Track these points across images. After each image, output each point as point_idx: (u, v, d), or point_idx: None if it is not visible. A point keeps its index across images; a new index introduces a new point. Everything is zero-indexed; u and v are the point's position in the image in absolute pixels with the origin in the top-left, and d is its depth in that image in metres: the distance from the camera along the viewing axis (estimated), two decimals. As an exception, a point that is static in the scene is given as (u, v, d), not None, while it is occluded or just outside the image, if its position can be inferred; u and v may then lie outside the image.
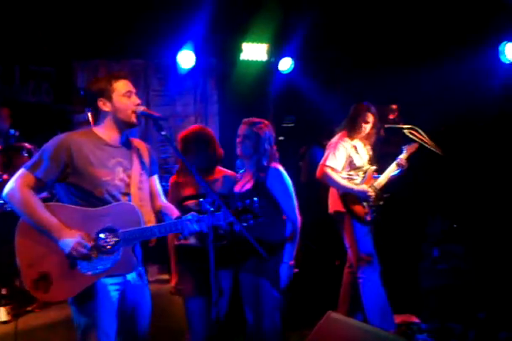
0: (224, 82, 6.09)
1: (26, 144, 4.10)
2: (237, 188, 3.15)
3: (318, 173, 3.97)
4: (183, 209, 2.77)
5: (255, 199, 2.45)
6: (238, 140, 3.13)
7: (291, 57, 5.88)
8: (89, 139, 2.41)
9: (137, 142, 2.60)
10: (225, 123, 5.92)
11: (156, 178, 2.65)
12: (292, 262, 3.02)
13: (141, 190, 2.48)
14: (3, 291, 3.31)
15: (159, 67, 5.99)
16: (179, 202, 3.08)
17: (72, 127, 5.18)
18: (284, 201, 3.05)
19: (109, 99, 2.42)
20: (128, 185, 2.43)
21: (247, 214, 2.43)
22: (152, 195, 2.60)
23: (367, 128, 4.05)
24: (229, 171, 3.33)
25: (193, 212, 2.45)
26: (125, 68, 5.65)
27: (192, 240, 3.04)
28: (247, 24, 5.63)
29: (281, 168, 3.12)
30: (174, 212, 2.58)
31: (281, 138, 5.27)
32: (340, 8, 5.33)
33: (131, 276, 2.46)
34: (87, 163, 2.34)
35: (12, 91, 5.34)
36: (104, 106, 2.43)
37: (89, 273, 2.30)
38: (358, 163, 4.02)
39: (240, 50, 5.83)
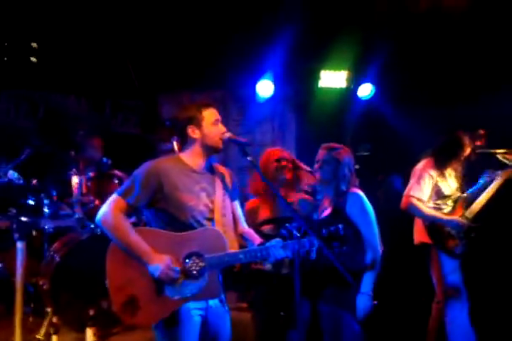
0: (302, 110, 6.15)
1: (117, 172, 4.35)
2: (315, 214, 3.13)
3: (403, 204, 3.77)
4: (260, 235, 2.78)
5: (340, 226, 2.42)
6: (317, 165, 3.11)
7: (371, 83, 5.85)
8: (176, 165, 2.50)
9: (220, 168, 2.67)
10: (303, 151, 5.94)
11: (237, 204, 2.69)
12: (371, 293, 2.92)
13: (224, 215, 2.52)
14: (91, 312, 3.43)
15: (238, 96, 6.18)
16: (255, 227, 3.10)
17: (158, 155, 5.43)
18: (364, 227, 2.97)
19: (199, 126, 2.51)
20: (212, 211, 2.48)
21: (332, 241, 2.40)
22: (234, 221, 2.64)
23: (461, 156, 3.84)
24: (304, 195, 3.30)
25: (277, 238, 2.44)
26: (207, 98, 5.89)
27: (267, 266, 3.02)
28: (325, 51, 5.70)
29: (361, 193, 3.05)
30: (256, 237, 2.60)
31: (357, 166, 5.18)
32: (420, 32, 5.27)
33: (213, 302, 2.48)
34: (174, 188, 2.41)
35: (103, 122, 5.73)
36: (193, 133, 2.51)
37: (176, 297, 2.34)
38: (446, 191, 3.80)
39: (318, 78, 5.89)
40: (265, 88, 5.82)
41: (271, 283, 2.93)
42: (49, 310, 3.49)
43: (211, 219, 2.46)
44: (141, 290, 2.34)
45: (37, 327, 3.44)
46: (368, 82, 5.85)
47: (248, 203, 3.33)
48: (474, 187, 3.84)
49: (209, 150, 2.53)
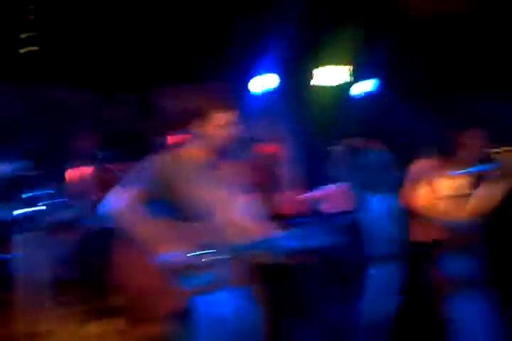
0: (300, 105, 6.15)
1: (118, 166, 4.33)
2: (326, 208, 3.15)
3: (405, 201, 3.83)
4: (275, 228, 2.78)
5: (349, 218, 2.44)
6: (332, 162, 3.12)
7: (373, 78, 5.86)
8: (184, 159, 2.47)
9: (229, 163, 2.65)
10: (299, 146, 5.95)
11: (247, 199, 2.66)
12: None
13: (232, 210, 2.50)
14: (116, 302, 3.39)
15: (235, 90, 6.14)
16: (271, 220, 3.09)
17: (156, 149, 5.40)
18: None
19: (207, 123, 2.46)
20: (219, 205, 2.46)
21: (340, 234, 2.42)
22: (244, 216, 2.64)
23: (468, 155, 3.88)
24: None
25: (289, 230, 2.45)
26: (203, 91, 5.82)
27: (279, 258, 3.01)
28: (325, 47, 5.70)
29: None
30: (267, 231, 2.59)
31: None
32: (421, 26, 5.27)
33: (237, 295, 2.44)
34: (182, 181, 2.40)
35: (103, 116, 5.68)
36: (200, 129, 2.48)
37: (188, 288, 2.33)
38: (451, 191, 3.85)
39: (316, 73, 5.89)
40: (262, 82, 5.81)
41: (283, 276, 2.94)
42: (74, 300, 3.47)
43: (219, 213, 2.43)
44: (152, 281, 2.36)
45: (63, 318, 3.40)
46: (369, 77, 5.87)
47: (257, 196, 3.31)
48: None
49: (215, 147, 2.50)
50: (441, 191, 3.77)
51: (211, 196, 2.44)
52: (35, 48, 5.11)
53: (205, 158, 2.49)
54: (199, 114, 2.48)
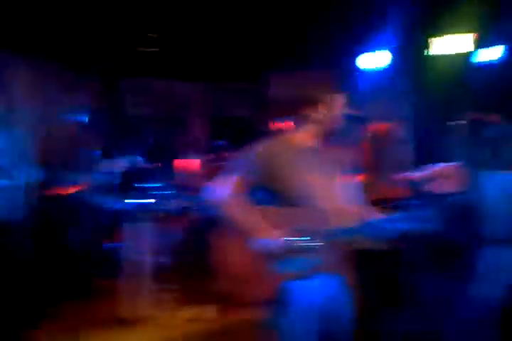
0: (419, 80, 5.77)
1: (233, 154, 4.45)
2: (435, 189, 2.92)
3: None
4: (375, 212, 2.65)
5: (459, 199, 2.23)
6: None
7: (500, 45, 5.29)
8: (289, 144, 2.46)
9: (334, 147, 2.58)
10: (420, 123, 5.59)
11: (351, 182, 2.58)
12: None
13: (335, 194, 2.45)
14: (211, 288, 3.55)
15: (346, 69, 5.96)
16: (371, 204, 2.97)
17: (266, 137, 5.46)
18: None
19: (322, 106, 2.44)
20: (323, 189, 2.41)
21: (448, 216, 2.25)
22: (347, 200, 2.53)
23: None
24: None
25: (395, 212, 2.33)
26: (313, 78, 5.73)
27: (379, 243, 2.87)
28: (445, 15, 5.27)
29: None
30: (368, 215, 2.49)
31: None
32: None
33: (329, 281, 2.40)
34: (286, 167, 2.40)
35: (214, 106, 5.88)
36: (313, 112, 2.45)
37: (287, 273, 2.31)
38: None
39: (435, 42, 5.48)
40: (378, 59, 5.57)
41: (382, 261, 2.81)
42: (172, 286, 3.69)
43: (322, 198, 2.39)
44: (251, 266, 2.35)
45: (160, 303, 3.65)
46: (495, 44, 5.30)
47: (359, 178, 3.18)
48: None
49: (326, 130, 2.46)
50: None
51: (314, 181, 2.41)
52: (156, 49, 5.42)
53: (310, 142, 2.48)
54: (311, 99, 2.47)
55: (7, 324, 2.80)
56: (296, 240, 2.31)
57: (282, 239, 2.29)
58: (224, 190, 2.40)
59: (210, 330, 3.38)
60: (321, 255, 2.30)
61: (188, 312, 3.51)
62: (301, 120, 2.48)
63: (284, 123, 4.35)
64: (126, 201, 3.86)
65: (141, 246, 3.65)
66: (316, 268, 2.31)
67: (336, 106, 2.44)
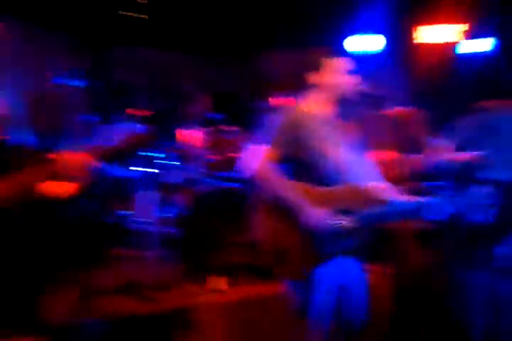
0: (408, 66, 5.88)
1: (231, 127, 4.38)
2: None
3: None
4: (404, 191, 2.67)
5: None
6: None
7: (490, 37, 5.47)
8: (314, 115, 2.39)
9: (351, 122, 2.54)
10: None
11: (369, 157, 2.54)
12: None
13: (359, 169, 2.42)
14: (219, 261, 3.52)
15: (341, 52, 5.96)
16: (399, 182, 2.98)
17: (257, 113, 5.42)
18: None
19: (324, 72, 2.39)
20: (348, 163, 2.39)
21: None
22: (369, 175, 2.50)
23: None
24: None
25: (436, 195, 2.33)
26: (309, 56, 5.73)
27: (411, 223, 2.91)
28: (436, 4, 5.37)
29: None
30: (396, 194, 2.45)
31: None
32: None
33: (353, 263, 2.41)
34: (313, 138, 2.34)
35: (207, 79, 5.77)
36: (320, 80, 2.39)
37: (326, 252, 2.29)
38: None
39: (426, 32, 5.58)
40: (371, 43, 5.60)
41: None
42: (178, 257, 3.62)
43: (348, 173, 2.36)
44: (292, 242, 2.30)
45: (165, 274, 3.57)
46: (485, 36, 5.48)
47: (385, 155, 3.20)
48: None
49: (341, 101, 2.41)
50: None
51: (340, 155, 2.37)
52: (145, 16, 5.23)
53: (327, 111, 2.41)
54: (311, 65, 2.40)
55: (19, 290, 2.67)
56: (337, 220, 2.27)
57: (323, 216, 2.25)
58: (255, 159, 2.33)
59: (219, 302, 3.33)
60: (354, 237, 2.28)
61: (194, 285, 3.45)
62: (307, 91, 2.42)
63: (284, 99, 4.31)
64: (130, 169, 3.73)
65: (148, 216, 3.55)
66: (351, 249, 2.29)
67: (339, 70, 2.36)
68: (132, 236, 3.63)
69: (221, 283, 3.40)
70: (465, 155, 2.95)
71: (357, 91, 2.41)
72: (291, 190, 2.30)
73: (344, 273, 2.39)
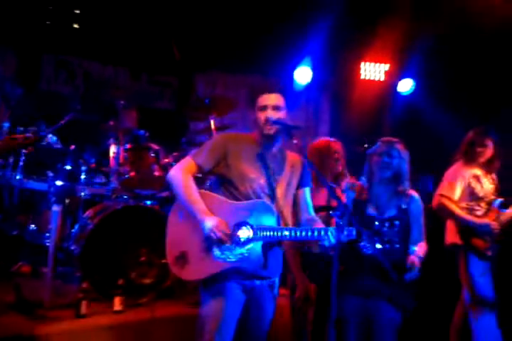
0: (338, 100, 6.09)
1: (154, 145, 4.32)
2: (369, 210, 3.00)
3: (433, 203, 3.69)
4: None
5: (396, 223, 2.45)
6: (378, 158, 2.87)
7: (412, 78, 5.77)
8: (246, 140, 2.60)
9: (292, 154, 2.68)
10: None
11: (306, 191, 2.67)
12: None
13: (285, 196, 2.56)
14: (120, 281, 3.42)
15: (274, 82, 6.10)
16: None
17: (191, 134, 5.41)
18: (417, 229, 2.87)
19: (254, 110, 2.60)
20: (273, 188, 2.52)
21: (383, 236, 2.42)
22: (299, 207, 2.64)
23: (483, 153, 3.72)
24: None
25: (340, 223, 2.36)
26: (241, 83, 5.86)
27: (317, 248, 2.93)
28: (367, 43, 5.62)
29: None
30: (320, 225, 2.53)
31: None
32: (464, 29, 5.16)
33: (260, 283, 2.50)
34: (238, 158, 2.53)
35: (139, 94, 5.71)
36: (252, 115, 2.60)
37: (220, 260, 2.40)
38: (479, 193, 3.69)
39: (358, 69, 5.81)
40: (303, 75, 5.75)
41: (318, 268, 2.89)
42: (79, 275, 3.48)
43: (270, 196, 2.50)
44: (192, 246, 2.45)
45: (65, 291, 3.44)
46: (408, 77, 5.77)
47: None
48: None
49: (262, 134, 2.56)
50: (474, 193, 3.67)
51: (269, 178, 2.53)
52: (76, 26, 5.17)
53: (259, 141, 2.58)
54: (250, 99, 2.56)
55: None
56: (234, 230, 2.39)
57: (220, 224, 2.37)
58: (179, 168, 2.56)
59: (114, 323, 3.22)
60: (252, 249, 2.37)
61: (94, 304, 3.33)
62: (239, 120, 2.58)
63: (208, 123, 4.32)
64: (36, 181, 3.59)
65: (50, 231, 3.41)
66: (246, 261, 2.37)
67: (263, 105, 2.54)
68: (32, 251, 3.48)
69: (117, 303, 3.29)
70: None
71: (269, 123, 2.52)
72: (195, 196, 2.47)
73: (252, 295, 2.47)
